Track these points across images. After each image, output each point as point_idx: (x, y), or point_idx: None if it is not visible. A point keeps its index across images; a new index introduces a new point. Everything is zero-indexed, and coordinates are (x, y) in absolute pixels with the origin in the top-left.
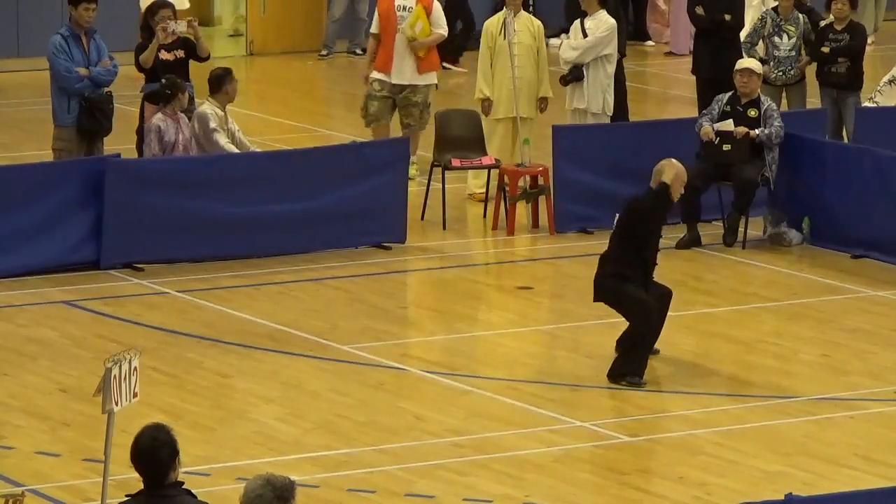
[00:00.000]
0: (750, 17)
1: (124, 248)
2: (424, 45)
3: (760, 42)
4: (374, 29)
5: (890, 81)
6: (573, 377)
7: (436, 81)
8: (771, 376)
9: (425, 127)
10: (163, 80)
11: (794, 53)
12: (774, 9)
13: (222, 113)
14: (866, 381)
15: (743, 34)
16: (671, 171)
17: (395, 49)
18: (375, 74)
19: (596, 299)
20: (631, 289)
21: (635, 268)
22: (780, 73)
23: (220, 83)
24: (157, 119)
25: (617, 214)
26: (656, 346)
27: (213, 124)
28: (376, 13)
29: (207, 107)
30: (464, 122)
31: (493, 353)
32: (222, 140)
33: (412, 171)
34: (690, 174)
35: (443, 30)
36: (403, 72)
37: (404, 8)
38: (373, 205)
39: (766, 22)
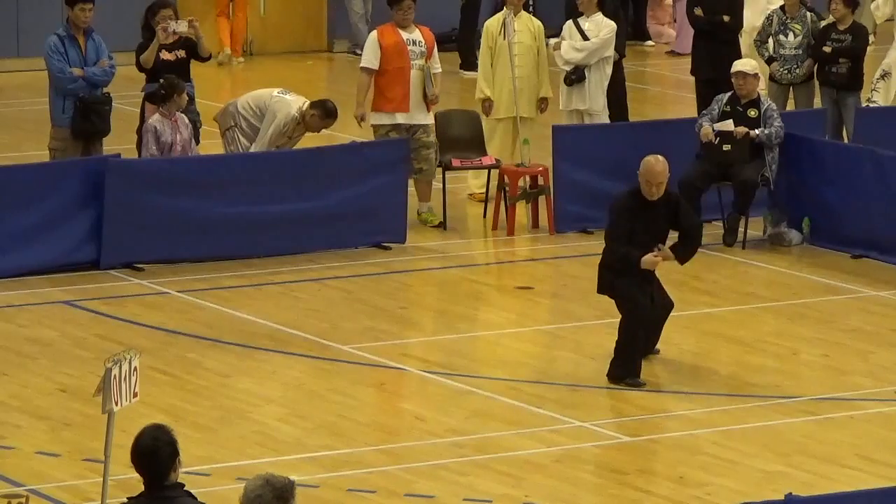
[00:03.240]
0: (749, 15)
1: (124, 248)
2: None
3: (770, 40)
4: (371, 64)
5: (882, 76)
6: (573, 377)
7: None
8: (771, 376)
9: (435, 173)
10: (160, 81)
11: (800, 52)
12: (782, 7)
13: (297, 123)
14: (866, 381)
15: (754, 33)
16: (639, 170)
17: (411, 86)
18: (383, 119)
19: (598, 291)
20: (624, 283)
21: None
22: (786, 72)
23: (313, 105)
24: (154, 120)
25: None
26: (657, 345)
27: (281, 121)
28: (375, 47)
29: (293, 107)
30: (464, 122)
31: (493, 353)
32: (263, 139)
33: (429, 216)
34: (690, 174)
35: (439, 65)
36: (419, 111)
37: (415, 42)
38: (373, 205)
39: (772, 20)
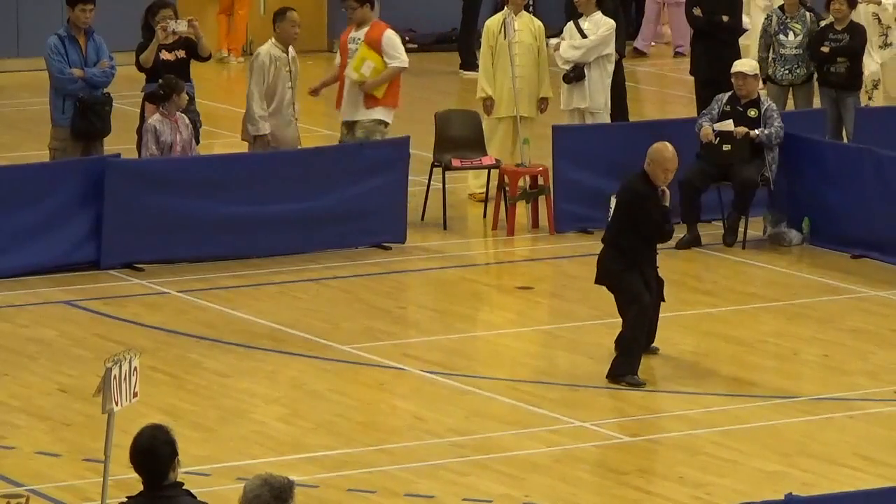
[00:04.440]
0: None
1: (124, 248)
2: (376, 84)
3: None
4: (338, 60)
5: (875, 86)
6: (573, 377)
7: (383, 118)
8: (771, 376)
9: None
10: (160, 80)
11: (800, 51)
12: (781, 7)
13: (279, 53)
14: (866, 381)
15: (755, 35)
16: (649, 157)
17: (344, 85)
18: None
19: (597, 281)
20: (632, 280)
21: (638, 253)
22: (787, 72)
23: (273, 22)
24: (154, 119)
25: (612, 197)
26: (655, 344)
27: (260, 68)
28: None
29: (265, 47)
30: (464, 122)
31: (493, 353)
32: (253, 92)
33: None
34: (690, 174)
35: (398, 61)
36: (351, 107)
37: (355, 41)
38: (373, 205)
39: (772, 20)
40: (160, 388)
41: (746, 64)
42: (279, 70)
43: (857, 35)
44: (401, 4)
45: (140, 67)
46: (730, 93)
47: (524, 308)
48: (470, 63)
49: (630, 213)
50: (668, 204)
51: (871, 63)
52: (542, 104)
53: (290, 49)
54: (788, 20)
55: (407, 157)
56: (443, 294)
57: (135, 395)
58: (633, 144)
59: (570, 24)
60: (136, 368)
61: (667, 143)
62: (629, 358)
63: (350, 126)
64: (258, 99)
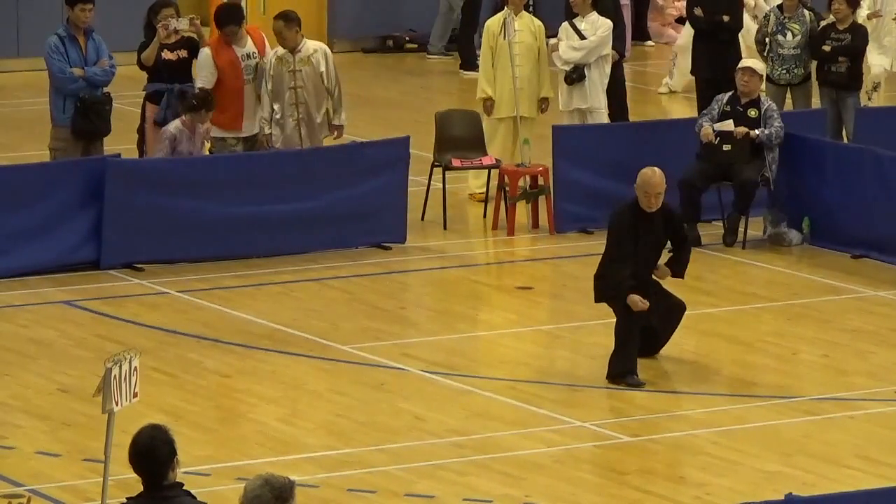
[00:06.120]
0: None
1: (124, 248)
2: None
3: (766, 40)
4: (207, 84)
5: (874, 88)
6: (573, 377)
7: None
8: (771, 376)
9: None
10: (198, 89)
11: (798, 51)
12: (779, 6)
13: (282, 53)
14: (866, 381)
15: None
16: (637, 181)
17: (245, 103)
18: (219, 133)
19: (596, 300)
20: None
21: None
22: (784, 72)
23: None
24: (174, 127)
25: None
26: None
27: (268, 70)
28: (212, 66)
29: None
30: (464, 122)
31: (493, 353)
32: (264, 93)
33: None
34: (690, 174)
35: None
36: (254, 122)
37: (249, 56)
38: (373, 205)
39: (769, 20)
40: (160, 388)
41: (755, 61)
42: (281, 72)
43: (859, 35)
44: (402, 4)
45: (142, 66)
46: (730, 93)
47: (524, 308)
48: (470, 63)
49: (609, 238)
50: (660, 276)
51: (875, 66)
52: (543, 104)
53: (305, 48)
54: (787, 20)
55: (407, 157)
56: (443, 294)
57: (135, 395)
58: (633, 144)
59: (566, 24)
60: (136, 368)
61: (655, 169)
62: (623, 356)
63: (252, 142)
64: (264, 101)
